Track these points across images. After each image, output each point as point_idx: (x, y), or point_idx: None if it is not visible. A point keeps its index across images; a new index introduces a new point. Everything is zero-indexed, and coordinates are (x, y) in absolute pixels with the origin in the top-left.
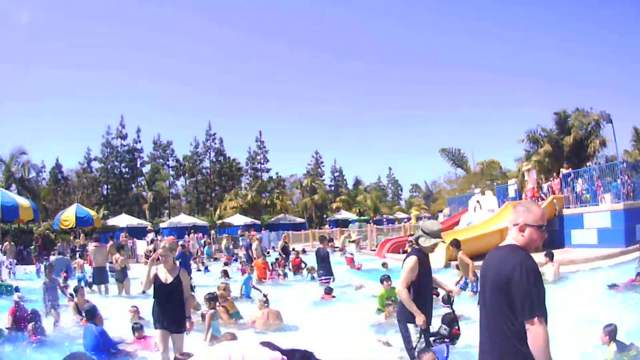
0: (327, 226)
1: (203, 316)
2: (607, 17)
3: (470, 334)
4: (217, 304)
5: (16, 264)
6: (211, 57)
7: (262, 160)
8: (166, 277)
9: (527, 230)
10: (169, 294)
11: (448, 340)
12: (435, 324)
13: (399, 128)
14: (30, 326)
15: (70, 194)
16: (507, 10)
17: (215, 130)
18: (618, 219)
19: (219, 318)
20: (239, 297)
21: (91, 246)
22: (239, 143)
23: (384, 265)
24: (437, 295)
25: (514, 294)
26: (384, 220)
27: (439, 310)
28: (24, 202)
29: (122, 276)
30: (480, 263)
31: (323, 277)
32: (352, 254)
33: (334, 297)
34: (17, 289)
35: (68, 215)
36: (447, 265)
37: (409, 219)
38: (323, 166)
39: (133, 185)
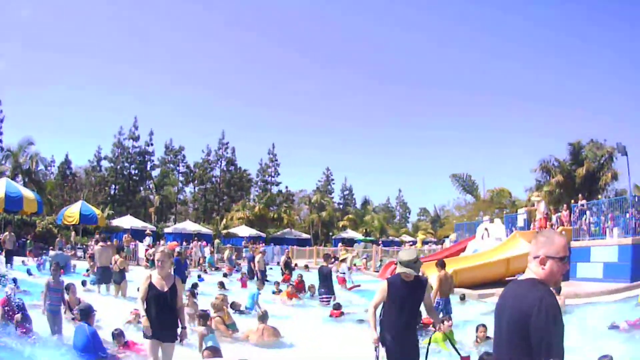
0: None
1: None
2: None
3: None
4: (210, 318)
5: (13, 255)
6: (231, 65)
7: (272, 173)
8: (162, 284)
9: (548, 263)
10: (164, 303)
11: None
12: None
13: (412, 150)
14: (17, 317)
15: (77, 190)
16: (526, 37)
17: (229, 139)
18: (625, 253)
19: (216, 329)
20: (243, 310)
21: (98, 246)
22: (251, 154)
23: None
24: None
25: (532, 332)
26: (393, 242)
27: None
28: (28, 194)
29: (119, 278)
30: (483, 291)
31: (324, 296)
32: (343, 273)
33: (342, 313)
34: (14, 280)
35: (72, 212)
36: (463, 298)
37: (414, 242)
38: (333, 183)
39: (141, 188)
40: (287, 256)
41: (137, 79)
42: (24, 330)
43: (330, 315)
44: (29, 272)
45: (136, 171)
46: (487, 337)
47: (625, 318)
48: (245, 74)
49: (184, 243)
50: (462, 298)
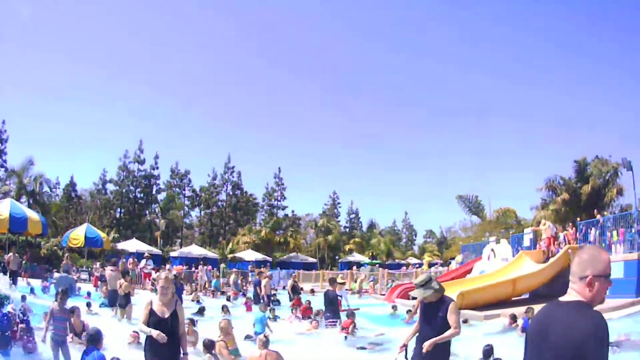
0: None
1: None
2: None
3: None
4: (214, 346)
5: (18, 276)
6: (237, 89)
7: (278, 197)
8: (162, 311)
9: (596, 284)
10: (165, 329)
11: None
12: None
13: (418, 173)
14: (20, 326)
15: (82, 213)
16: (528, 56)
17: (235, 163)
18: (631, 269)
19: (219, 354)
20: (251, 335)
21: (108, 270)
22: (257, 178)
23: (394, 307)
24: None
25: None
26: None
27: None
28: (33, 215)
29: (124, 302)
30: (489, 312)
31: (330, 320)
32: (340, 296)
33: (354, 323)
34: (23, 298)
35: (78, 234)
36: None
37: (421, 265)
38: (340, 207)
39: (147, 212)
40: (294, 280)
41: (143, 102)
42: (26, 341)
43: (343, 328)
44: (32, 291)
45: (142, 195)
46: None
47: (631, 333)
48: (252, 98)
49: (191, 267)
50: (465, 322)
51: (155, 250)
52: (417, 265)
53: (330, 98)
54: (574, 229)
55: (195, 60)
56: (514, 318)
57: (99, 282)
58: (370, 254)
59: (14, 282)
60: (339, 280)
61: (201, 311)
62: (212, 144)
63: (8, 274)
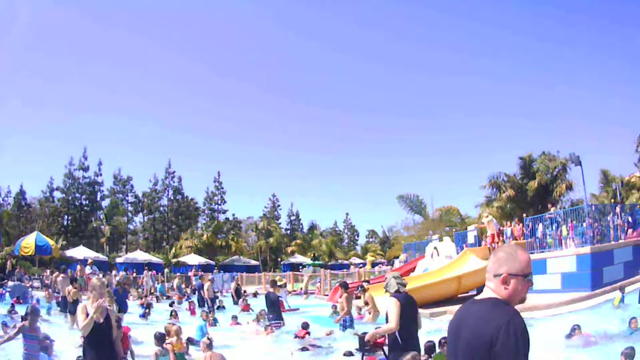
0: (308, 272)
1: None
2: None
3: None
4: (164, 339)
5: None
6: (174, 96)
7: (219, 201)
8: (97, 317)
9: (511, 282)
10: (102, 335)
11: None
12: None
13: (357, 174)
14: None
15: (32, 221)
16: (468, 48)
17: (175, 168)
18: (584, 263)
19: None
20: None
21: (60, 277)
22: (198, 183)
23: (334, 307)
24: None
25: (499, 356)
26: (342, 265)
27: None
28: None
29: (74, 308)
30: (434, 310)
31: (273, 322)
32: (280, 297)
33: (308, 333)
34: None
35: (28, 242)
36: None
37: (364, 265)
38: (280, 209)
39: (92, 218)
40: (237, 283)
41: (85, 110)
42: None
43: (296, 336)
44: None
45: (87, 202)
46: None
47: (588, 325)
48: (190, 103)
49: (136, 273)
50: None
51: (102, 257)
52: (361, 265)
53: (268, 100)
54: (520, 224)
55: (135, 65)
56: None
57: (47, 289)
58: (312, 255)
59: None
60: (278, 281)
61: (174, 314)
62: (153, 150)
63: None
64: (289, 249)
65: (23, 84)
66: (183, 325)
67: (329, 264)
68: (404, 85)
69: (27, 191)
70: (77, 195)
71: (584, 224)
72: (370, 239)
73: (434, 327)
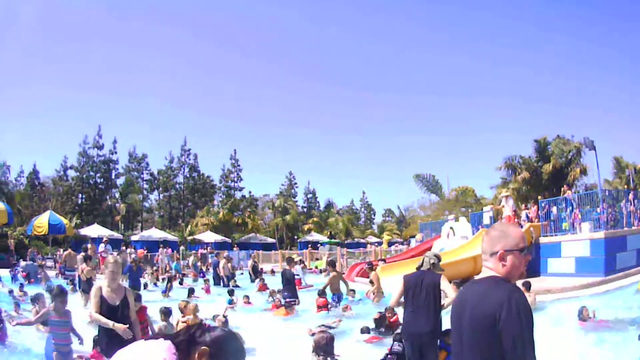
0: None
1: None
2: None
3: None
4: (179, 318)
5: None
6: (190, 73)
7: (235, 179)
8: (112, 298)
9: (508, 258)
10: (115, 317)
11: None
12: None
13: (375, 152)
14: None
15: (45, 200)
16: (485, 30)
17: (191, 146)
18: (598, 247)
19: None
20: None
21: (79, 256)
22: (214, 160)
23: (352, 292)
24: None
25: (502, 334)
26: (358, 243)
27: None
28: None
29: (87, 287)
30: None
31: (288, 299)
32: (298, 275)
33: (327, 303)
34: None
35: (41, 222)
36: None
37: (380, 244)
38: (296, 187)
39: (107, 197)
40: (254, 260)
41: (100, 88)
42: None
43: (319, 306)
44: (0, 280)
45: (101, 180)
46: None
47: (601, 310)
48: (206, 82)
49: (152, 250)
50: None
51: (117, 235)
52: (377, 244)
53: (285, 79)
54: (535, 206)
55: (151, 45)
56: None
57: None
58: (329, 233)
59: None
60: (295, 258)
61: (191, 292)
62: (169, 128)
63: None
64: (306, 227)
65: (38, 62)
66: (199, 304)
67: (346, 242)
68: (421, 64)
69: (41, 170)
70: (92, 173)
71: (598, 209)
72: (387, 218)
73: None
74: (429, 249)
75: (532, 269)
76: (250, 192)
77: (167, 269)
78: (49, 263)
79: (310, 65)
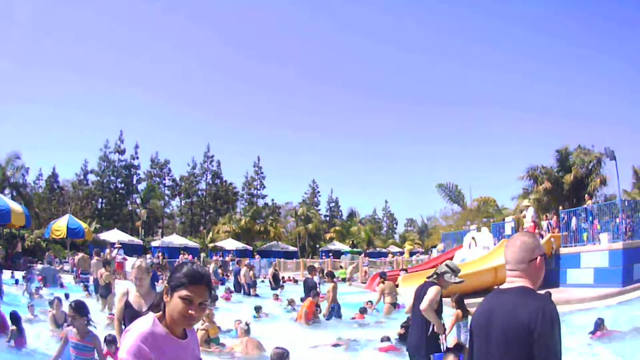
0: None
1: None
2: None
3: None
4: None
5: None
6: (215, 79)
7: (258, 186)
8: (139, 303)
9: (541, 264)
10: None
11: None
12: None
13: (398, 162)
14: (12, 329)
15: (64, 204)
16: (508, 42)
17: (214, 152)
18: (616, 258)
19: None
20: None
21: (94, 260)
22: (237, 167)
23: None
24: None
25: (536, 344)
26: (380, 253)
27: None
28: (16, 207)
29: (106, 292)
30: (470, 301)
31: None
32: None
33: (364, 317)
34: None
35: (60, 225)
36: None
37: (402, 253)
38: (319, 196)
39: (128, 202)
40: (275, 268)
41: (122, 93)
42: (18, 343)
43: (353, 318)
44: (16, 283)
45: (122, 185)
46: None
47: (619, 320)
48: (230, 88)
49: (173, 257)
50: None
51: (137, 240)
52: (399, 254)
53: (310, 87)
54: (555, 217)
55: (174, 52)
56: None
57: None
58: (351, 242)
59: None
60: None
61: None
62: (192, 134)
63: None
64: (328, 236)
65: (59, 65)
66: (218, 312)
67: (367, 251)
68: (446, 75)
69: (60, 174)
70: (112, 178)
71: (617, 220)
72: (409, 228)
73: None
74: (451, 259)
75: (552, 280)
76: (272, 200)
77: None
78: (66, 267)
79: (337, 74)
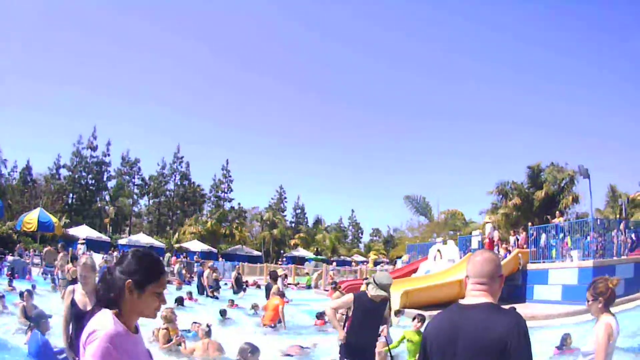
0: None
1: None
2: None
3: None
4: (157, 329)
5: None
6: (188, 82)
7: (225, 190)
8: (85, 302)
9: (498, 281)
10: (85, 325)
11: None
12: None
13: (366, 171)
14: None
15: (36, 197)
16: (481, 54)
17: (184, 153)
18: (586, 276)
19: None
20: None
21: (61, 254)
22: (205, 170)
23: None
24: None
25: (512, 357)
26: (344, 261)
27: None
28: None
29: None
30: (435, 312)
31: None
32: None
33: (325, 323)
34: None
35: (31, 218)
36: (401, 312)
37: (366, 262)
38: (286, 202)
39: (97, 198)
40: (238, 272)
41: (97, 89)
42: None
43: (315, 325)
44: None
45: (93, 181)
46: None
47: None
48: (202, 91)
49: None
50: (397, 313)
51: (104, 237)
52: (363, 263)
53: (281, 93)
54: (524, 233)
55: (150, 50)
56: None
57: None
58: (315, 249)
59: None
60: (280, 272)
61: (180, 301)
62: (162, 134)
63: None
64: (293, 242)
65: (37, 58)
66: (179, 312)
67: (332, 259)
68: (417, 86)
69: (34, 167)
70: (84, 174)
71: (588, 238)
72: (374, 238)
73: None
74: (415, 270)
75: (518, 295)
76: (239, 204)
77: None
78: (36, 260)
79: (309, 81)
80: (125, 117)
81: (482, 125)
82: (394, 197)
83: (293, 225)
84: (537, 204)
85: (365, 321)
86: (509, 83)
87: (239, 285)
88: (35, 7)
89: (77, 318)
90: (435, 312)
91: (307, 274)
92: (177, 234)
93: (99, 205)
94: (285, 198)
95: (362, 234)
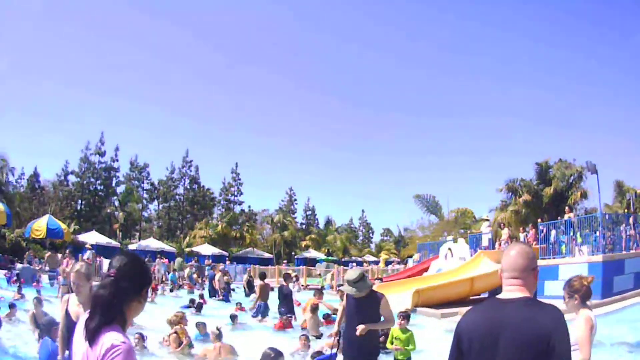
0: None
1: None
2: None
3: None
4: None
5: None
6: (195, 85)
7: (235, 193)
8: (78, 313)
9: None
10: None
11: None
12: None
13: (376, 172)
14: None
15: (44, 204)
16: (488, 51)
17: (192, 157)
18: (596, 271)
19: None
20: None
21: (65, 260)
22: (215, 173)
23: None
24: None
25: (555, 353)
26: (356, 262)
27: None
28: None
29: None
30: (446, 310)
31: (286, 315)
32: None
33: (332, 322)
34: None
35: (40, 225)
36: (413, 311)
37: (377, 263)
38: (296, 203)
39: (106, 204)
40: (250, 275)
41: (105, 95)
42: None
43: (326, 324)
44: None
45: (102, 187)
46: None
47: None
48: (210, 94)
49: (150, 260)
50: (413, 311)
51: (114, 243)
52: (374, 263)
53: (290, 93)
54: (534, 230)
55: (155, 56)
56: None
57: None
58: (327, 250)
59: None
60: (292, 274)
61: (199, 307)
62: (171, 138)
63: None
64: (304, 244)
65: (43, 63)
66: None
67: (343, 260)
68: (426, 85)
69: (41, 173)
70: (92, 180)
71: (597, 233)
72: (385, 238)
73: (444, 327)
74: (427, 269)
75: None
76: (249, 207)
77: (163, 279)
78: (46, 267)
79: (318, 82)
80: (133, 122)
81: (490, 123)
82: (404, 197)
83: (304, 226)
84: (546, 200)
85: (353, 317)
86: (517, 81)
87: (251, 288)
88: (40, 13)
89: (69, 329)
90: (447, 310)
91: (319, 275)
92: (187, 238)
93: (108, 211)
94: (295, 200)
95: (372, 234)
